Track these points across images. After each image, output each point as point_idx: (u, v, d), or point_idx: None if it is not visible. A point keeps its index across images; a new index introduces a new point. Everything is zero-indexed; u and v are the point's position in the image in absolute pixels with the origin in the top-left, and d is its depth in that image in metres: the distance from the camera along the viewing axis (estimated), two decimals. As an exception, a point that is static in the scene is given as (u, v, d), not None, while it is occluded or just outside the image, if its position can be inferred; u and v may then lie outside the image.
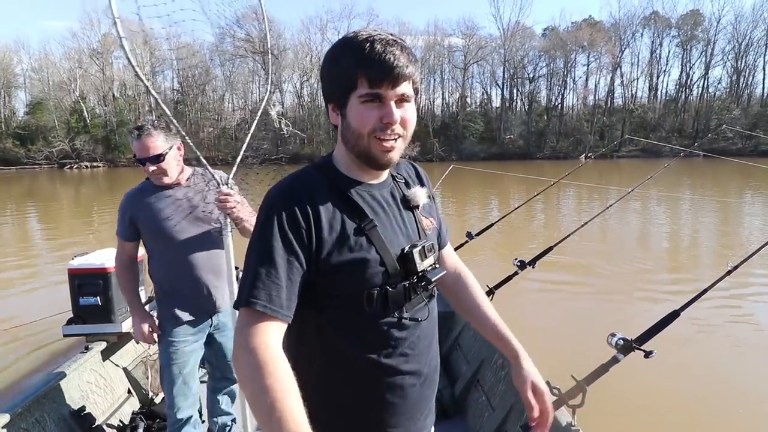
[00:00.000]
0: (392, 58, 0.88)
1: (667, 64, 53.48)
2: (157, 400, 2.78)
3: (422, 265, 0.99)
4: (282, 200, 0.93)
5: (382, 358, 1.00)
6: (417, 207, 1.06)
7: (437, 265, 1.05)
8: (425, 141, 49.43)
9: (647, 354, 1.75)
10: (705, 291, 1.92)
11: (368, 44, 0.88)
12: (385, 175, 1.05)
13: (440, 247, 1.21)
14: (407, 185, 1.10)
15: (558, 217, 13.37)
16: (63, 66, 51.86)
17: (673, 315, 1.87)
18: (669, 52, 53.21)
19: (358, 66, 0.89)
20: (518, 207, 3.63)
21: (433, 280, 1.00)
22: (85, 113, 49.05)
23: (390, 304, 0.98)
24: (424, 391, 1.08)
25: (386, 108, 0.90)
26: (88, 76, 51.75)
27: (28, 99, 52.67)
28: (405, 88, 0.91)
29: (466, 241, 3.36)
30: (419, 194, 1.07)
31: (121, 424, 2.50)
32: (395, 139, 0.94)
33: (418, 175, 1.17)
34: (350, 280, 0.95)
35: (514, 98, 54.79)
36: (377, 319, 0.98)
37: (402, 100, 0.92)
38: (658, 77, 53.65)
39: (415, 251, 0.98)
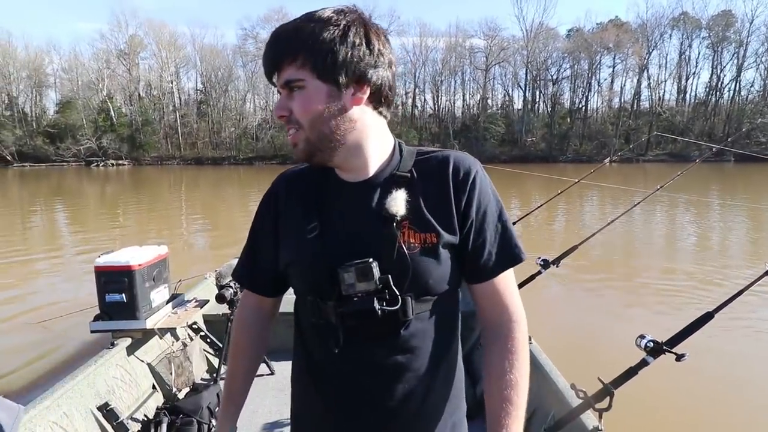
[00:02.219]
0: (266, 50, 0.81)
1: (696, 66, 52.10)
2: (180, 395, 2.81)
3: (353, 287, 0.80)
4: (267, 192, 0.99)
5: (317, 379, 0.92)
6: (394, 216, 0.82)
7: (389, 294, 0.80)
8: (445, 142, 49.27)
9: (679, 357, 1.66)
10: (741, 292, 1.81)
11: None
12: (367, 170, 0.88)
13: (473, 277, 0.90)
14: (408, 186, 0.86)
15: (580, 218, 13.13)
16: (92, 66, 53.38)
17: (707, 317, 1.77)
18: (699, 53, 51.85)
19: None
20: (542, 204, 3.55)
21: (343, 310, 0.81)
22: (112, 112, 50.34)
23: (323, 318, 0.85)
24: None
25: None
26: (115, 76, 53.13)
27: (58, 98, 54.36)
28: (287, 74, 0.80)
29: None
30: (391, 202, 0.83)
31: (146, 419, 2.50)
32: (294, 131, 0.83)
33: (442, 174, 0.87)
34: (293, 278, 0.92)
35: (537, 100, 54.21)
36: (316, 334, 0.90)
37: (289, 88, 0.81)
38: (687, 80, 52.36)
39: (345, 270, 0.80)
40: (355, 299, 0.80)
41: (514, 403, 0.83)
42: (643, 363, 1.72)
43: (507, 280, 0.90)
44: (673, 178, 2.73)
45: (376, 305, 0.79)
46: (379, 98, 0.85)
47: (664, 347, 1.70)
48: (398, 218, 0.82)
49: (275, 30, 0.82)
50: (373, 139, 0.87)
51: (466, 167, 0.87)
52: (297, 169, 0.97)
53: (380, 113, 0.88)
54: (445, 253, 0.84)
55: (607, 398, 1.69)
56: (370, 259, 0.80)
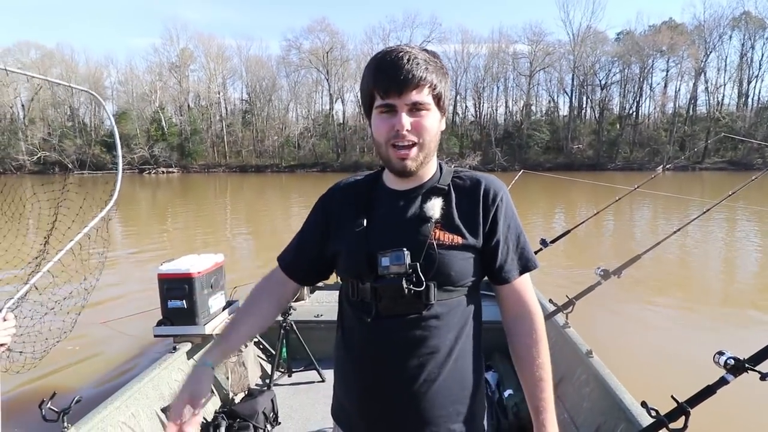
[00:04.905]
0: (397, 69, 0.94)
1: (760, 69, 48.99)
2: (237, 399, 2.86)
3: (388, 269, 0.98)
4: (322, 196, 1.19)
5: (349, 348, 1.10)
6: (429, 219, 1.02)
7: (415, 277, 0.97)
8: (487, 150, 48.69)
9: (764, 376, 1.53)
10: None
11: (381, 59, 0.97)
12: (413, 182, 1.08)
13: (498, 280, 1.08)
14: (445, 197, 1.06)
15: (632, 229, 12.60)
16: (145, 79, 56.25)
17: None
18: (762, 55, 48.86)
19: (372, 80, 0.98)
20: (598, 212, 3.41)
21: (378, 285, 0.99)
22: (163, 122, 52.76)
23: (360, 297, 1.04)
24: (382, 407, 1.04)
25: (397, 116, 0.96)
26: (166, 87, 55.69)
27: (115, 109, 57.45)
28: (416, 96, 0.95)
29: (541, 249, 3.19)
30: (429, 207, 1.04)
31: (205, 422, 2.57)
32: (409, 147, 0.99)
33: (474, 192, 1.06)
34: (340, 264, 1.11)
35: (584, 106, 52.78)
36: (353, 311, 1.07)
37: (414, 108, 0.97)
38: (749, 83, 49.30)
39: (383, 255, 0.99)
40: (387, 279, 0.98)
41: (545, 380, 1.05)
42: (723, 381, 1.60)
43: (527, 283, 1.11)
44: (746, 183, 2.55)
45: (405, 284, 0.96)
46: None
47: (747, 365, 1.57)
48: (432, 220, 1.02)
49: (401, 51, 0.96)
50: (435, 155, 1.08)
51: (495, 190, 1.07)
52: (349, 180, 1.19)
53: None
54: (467, 254, 1.03)
55: (682, 418, 1.58)
56: (404, 248, 0.98)
